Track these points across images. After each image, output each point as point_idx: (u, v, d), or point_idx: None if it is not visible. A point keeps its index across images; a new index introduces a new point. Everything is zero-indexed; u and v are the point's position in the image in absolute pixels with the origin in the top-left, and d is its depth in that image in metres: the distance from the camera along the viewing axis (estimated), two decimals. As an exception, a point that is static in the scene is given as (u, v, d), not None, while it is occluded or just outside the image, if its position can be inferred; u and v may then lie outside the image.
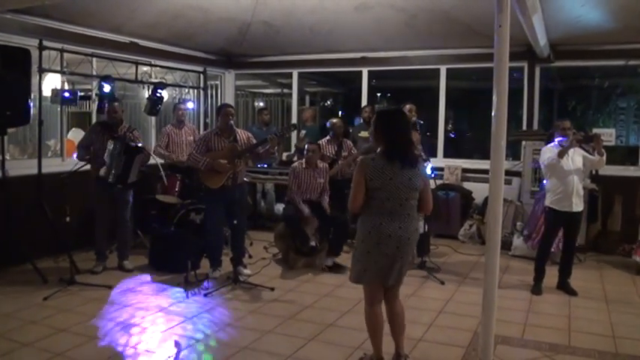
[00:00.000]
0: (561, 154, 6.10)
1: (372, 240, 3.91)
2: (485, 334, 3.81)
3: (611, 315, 5.62)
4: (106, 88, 7.26)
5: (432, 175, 7.06)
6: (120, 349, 4.57)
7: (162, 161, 8.03)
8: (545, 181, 6.56)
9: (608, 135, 8.89)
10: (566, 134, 6.24)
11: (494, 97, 3.68)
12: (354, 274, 4.06)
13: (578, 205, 6.26)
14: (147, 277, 6.65)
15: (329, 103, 15.16)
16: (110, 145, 6.53)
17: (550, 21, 7.38)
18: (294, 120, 10.89)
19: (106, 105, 6.93)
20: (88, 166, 6.70)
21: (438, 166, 9.11)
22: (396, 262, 3.94)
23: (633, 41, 8.24)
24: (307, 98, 13.86)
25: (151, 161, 7.63)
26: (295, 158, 9.03)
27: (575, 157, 6.27)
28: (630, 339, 4.98)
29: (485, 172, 8.70)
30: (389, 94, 13.58)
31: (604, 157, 6.26)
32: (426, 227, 7.15)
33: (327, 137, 8.21)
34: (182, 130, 8.30)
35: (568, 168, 6.19)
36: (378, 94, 13.52)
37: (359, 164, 4.01)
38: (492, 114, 3.74)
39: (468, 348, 4.62)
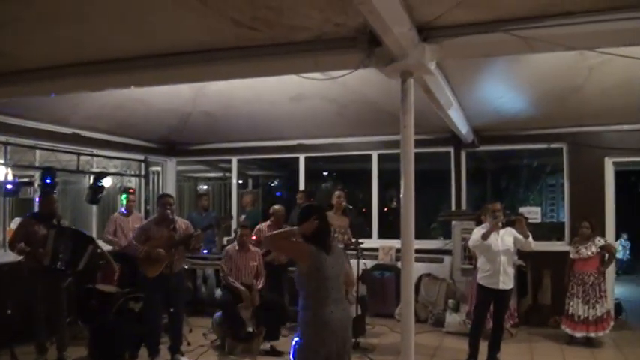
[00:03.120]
0: (484, 237, 6.54)
1: (329, 326, 4.01)
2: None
3: (536, 386, 5.91)
4: (48, 180, 7.48)
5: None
6: None
7: (107, 248, 8.15)
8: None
9: (534, 213, 9.45)
10: (496, 216, 6.64)
11: (402, 186, 4.04)
12: (305, 352, 4.09)
13: (505, 283, 6.60)
14: (85, 369, 6.62)
15: (276, 183, 15.46)
16: (51, 235, 6.59)
17: (470, 111, 7.92)
18: (234, 205, 11.15)
19: (40, 197, 7.03)
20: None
21: (372, 246, 9.48)
22: (346, 341, 4.14)
23: (553, 126, 8.91)
24: (250, 182, 14.15)
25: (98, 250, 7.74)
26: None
27: (506, 238, 6.67)
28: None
29: (418, 251, 9.05)
30: (334, 174, 14.01)
31: (530, 239, 6.66)
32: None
33: (268, 222, 8.45)
34: (130, 217, 8.46)
35: (496, 248, 6.59)
36: (325, 173, 13.94)
37: (309, 249, 4.10)
38: (401, 199, 4.08)
39: None
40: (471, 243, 6.83)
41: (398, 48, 4.00)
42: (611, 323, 7.62)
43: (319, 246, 4.12)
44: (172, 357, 6.44)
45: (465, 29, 4.13)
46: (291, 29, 4.19)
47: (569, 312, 7.62)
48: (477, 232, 6.75)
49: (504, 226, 6.70)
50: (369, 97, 7.80)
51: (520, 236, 6.68)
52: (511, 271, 6.74)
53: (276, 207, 8.44)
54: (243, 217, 10.16)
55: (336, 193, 7.75)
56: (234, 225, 10.40)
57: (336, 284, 4.11)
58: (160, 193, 9.42)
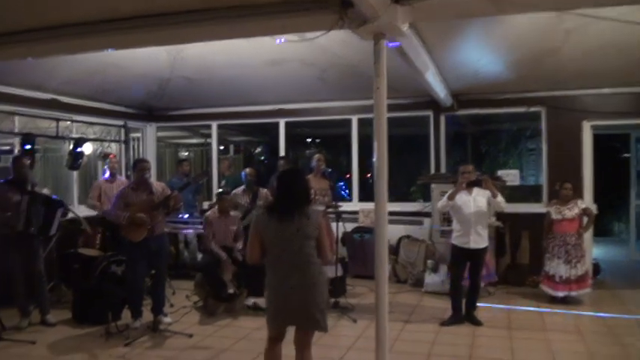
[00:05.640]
0: (451, 197, 6.74)
1: (278, 293, 4.18)
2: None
3: (513, 341, 6.09)
4: (28, 146, 7.46)
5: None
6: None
7: (86, 214, 8.18)
8: None
9: (512, 175, 9.58)
10: (465, 177, 6.78)
11: (375, 147, 4.08)
12: (266, 318, 4.33)
13: (477, 243, 6.77)
14: (69, 331, 6.72)
15: (259, 150, 15.48)
16: (24, 200, 6.62)
17: (449, 75, 7.95)
18: (214, 170, 11.18)
19: (12, 162, 6.99)
20: None
21: (352, 209, 9.60)
22: (307, 308, 4.14)
23: (531, 90, 8.98)
24: (231, 147, 14.14)
25: (71, 215, 7.75)
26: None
27: (478, 198, 6.80)
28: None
29: (397, 214, 9.21)
30: (318, 140, 14.04)
31: (499, 199, 6.76)
32: (341, 270, 7.53)
33: (243, 187, 8.56)
34: (114, 183, 8.45)
35: (467, 209, 6.75)
36: (308, 140, 13.97)
37: (254, 218, 4.36)
38: (374, 161, 4.13)
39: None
40: (439, 205, 7.02)
41: (370, 9, 4.00)
42: (590, 282, 7.85)
43: (271, 213, 4.20)
44: (155, 318, 6.54)
45: (436, -10, 4.15)
46: (261, -10, 4.19)
47: (550, 273, 7.76)
48: (447, 195, 6.91)
49: (470, 186, 6.79)
50: (349, 61, 7.79)
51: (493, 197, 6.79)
52: (484, 231, 6.86)
53: (247, 170, 8.58)
54: (223, 182, 10.21)
55: (316, 156, 7.81)
56: (215, 190, 10.45)
57: (289, 250, 4.13)
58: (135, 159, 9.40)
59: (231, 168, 10.85)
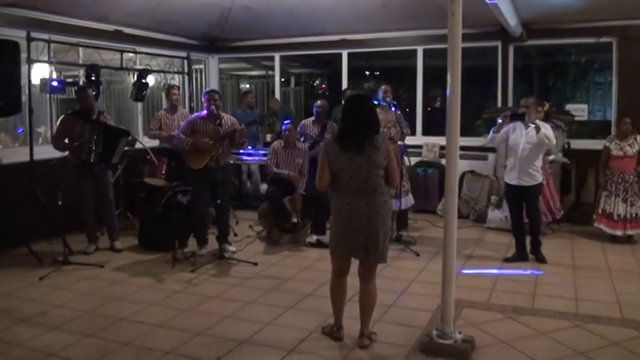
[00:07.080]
0: (496, 130, 6.56)
1: (343, 216, 4.17)
2: (445, 296, 4.11)
3: (576, 280, 5.96)
4: (93, 77, 7.55)
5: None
6: (113, 321, 4.88)
7: (152, 145, 8.31)
8: None
9: (580, 110, 9.27)
10: (528, 111, 6.52)
11: (449, 78, 3.95)
12: (330, 247, 4.37)
13: (524, 180, 6.52)
14: (136, 256, 6.96)
15: (317, 83, 15.36)
16: (87, 130, 6.72)
17: (519, 1, 7.64)
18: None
19: (76, 93, 7.10)
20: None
21: (416, 143, 9.47)
22: (369, 235, 4.14)
23: (603, 19, 8.49)
24: (292, 79, 14.06)
25: (138, 146, 7.90)
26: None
27: (531, 133, 6.45)
28: (591, 300, 5.32)
29: (462, 148, 9.02)
30: (377, 73, 13.82)
31: (540, 134, 6.32)
32: (405, 203, 7.45)
33: (312, 118, 8.48)
34: (175, 114, 8.45)
35: (515, 143, 6.54)
36: (367, 73, 13.76)
37: (323, 146, 4.32)
38: (447, 93, 4.00)
39: (435, 312, 4.89)
40: (487, 138, 6.84)
41: None
42: None
43: (340, 140, 4.16)
44: (220, 246, 6.66)
45: None
46: None
47: (608, 211, 7.55)
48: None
49: (513, 119, 6.47)
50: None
51: (549, 133, 6.42)
52: (532, 168, 6.50)
53: (319, 102, 8.44)
54: (273, 118, 10.10)
55: (382, 87, 7.59)
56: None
57: (358, 176, 4.10)
58: (204, 90, 9.43)
59: (278, 104, 10.80)
